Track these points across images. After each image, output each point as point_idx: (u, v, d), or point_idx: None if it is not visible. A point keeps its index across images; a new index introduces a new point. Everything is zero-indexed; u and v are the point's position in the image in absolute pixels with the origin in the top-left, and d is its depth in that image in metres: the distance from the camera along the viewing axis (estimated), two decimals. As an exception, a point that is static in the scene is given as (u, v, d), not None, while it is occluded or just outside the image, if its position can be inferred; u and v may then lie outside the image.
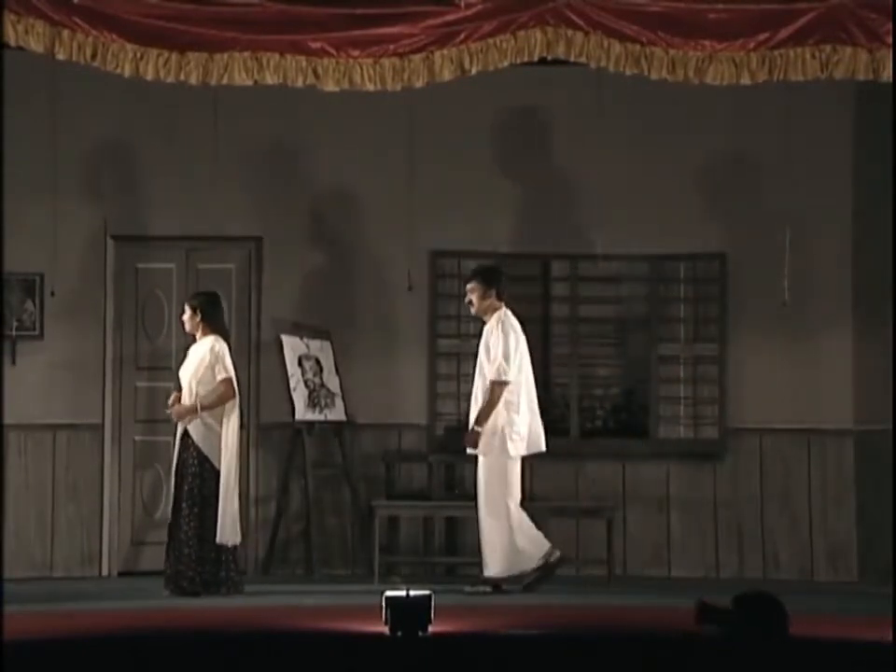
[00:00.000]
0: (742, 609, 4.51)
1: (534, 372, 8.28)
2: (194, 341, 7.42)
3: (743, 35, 6.90)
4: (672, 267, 8.64)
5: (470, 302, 7.33)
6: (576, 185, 8.49)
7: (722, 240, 8.52)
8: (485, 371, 7.24)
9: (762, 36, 6.90)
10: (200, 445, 7.16)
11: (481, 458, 7.26)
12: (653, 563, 8.48)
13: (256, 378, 8.46)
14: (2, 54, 6.93)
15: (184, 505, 7.09)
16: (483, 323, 7.40)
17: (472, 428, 7.27)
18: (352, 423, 8.46)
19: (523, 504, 7.33)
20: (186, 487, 7.10)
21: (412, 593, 5.29)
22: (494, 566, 7.17)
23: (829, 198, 8.45)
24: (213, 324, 7.31)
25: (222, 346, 7.28)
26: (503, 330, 7.28)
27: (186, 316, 7.36)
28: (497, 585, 7.21)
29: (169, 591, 7.13)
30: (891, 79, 6.81)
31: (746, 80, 6.94)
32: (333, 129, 8.44)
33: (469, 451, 7.31)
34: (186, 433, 7.19)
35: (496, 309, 7.33)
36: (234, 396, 7.20)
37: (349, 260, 8.55)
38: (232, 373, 7.23)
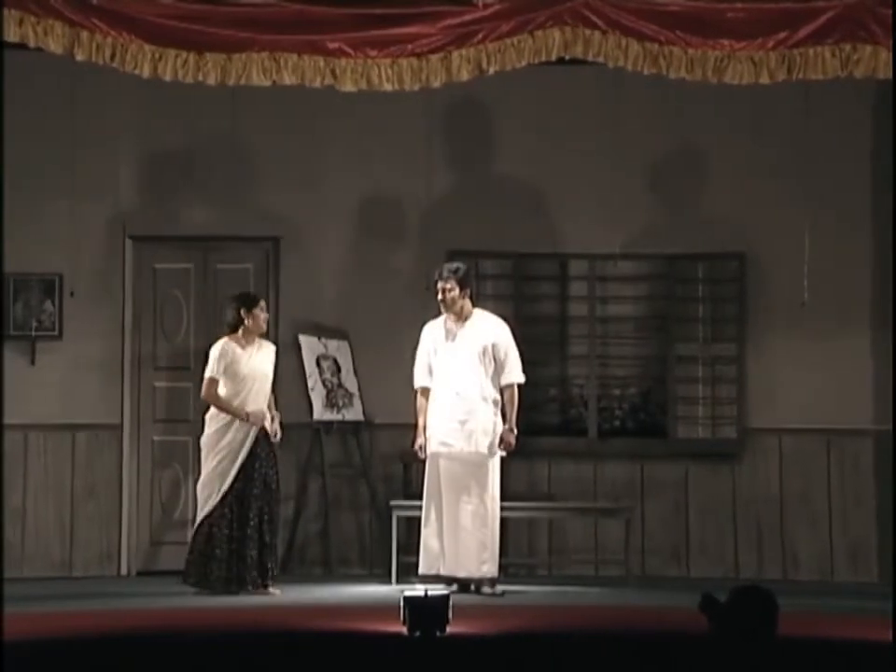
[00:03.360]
0: (733, 603, 4.53)
1: (552, 372, 8.49)
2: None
3: (762, 34, 6.88)
4: (690, 266, 8.64)
5: (445, 300, 7.24)
6: (594, 184, 8.47)
7: (741, 239, 8.49)
8: (483, 367, 7.21)
9: (781, 35, 6.89)
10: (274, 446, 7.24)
11: (489, 460, 7.25)
12: (672, 563, 8.47)
13: (273, 377, 8.16)
14: (2, 54, 6.91)
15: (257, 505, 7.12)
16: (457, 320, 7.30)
17: (510, 429, 7.25)
18: (370, 423, 8.49)
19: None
20: (260, 487, 7.07)
21: (430, 593, 5.30)
22: (494, 564, 7.20)
23: (849, 197, 8.43)
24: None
25: None
26: (509, 330, 7.31)
27: (266, 316, 7.30)
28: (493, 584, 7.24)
29: (237, 589, 7.08)
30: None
31: (765, 80, 6.93)
32: (352, 130, 8.47)
33: (503, 453, 7.29)
34: (265, 433, 7.18)
35: (470, 307, 7.32)
36: None
37: (366, 261, 8.55)
38: None
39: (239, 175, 8.43)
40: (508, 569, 8.00)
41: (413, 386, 7.40)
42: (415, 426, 7.38)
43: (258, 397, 7.19)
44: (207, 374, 7.11)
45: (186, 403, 8.46)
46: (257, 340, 7.25)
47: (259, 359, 7.27)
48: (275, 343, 8.31)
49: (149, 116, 8.42)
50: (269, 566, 7.13)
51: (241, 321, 7.20)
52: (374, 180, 8.51)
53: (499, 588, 7.30)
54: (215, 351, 7.17)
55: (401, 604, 5.32)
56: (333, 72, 6.90)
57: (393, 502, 7.95)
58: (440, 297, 7.29)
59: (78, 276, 8.33)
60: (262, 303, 7.26)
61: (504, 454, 7.32)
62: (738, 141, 8.45)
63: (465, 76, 6.98)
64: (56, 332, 8.37)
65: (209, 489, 7.07)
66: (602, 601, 7.15)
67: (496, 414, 7.29)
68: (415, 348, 7.41)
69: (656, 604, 7.00)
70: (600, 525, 8.33)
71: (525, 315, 8.59)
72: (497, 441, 7.27)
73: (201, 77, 6.90)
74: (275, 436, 7.22)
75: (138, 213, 8.51)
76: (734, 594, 4.62)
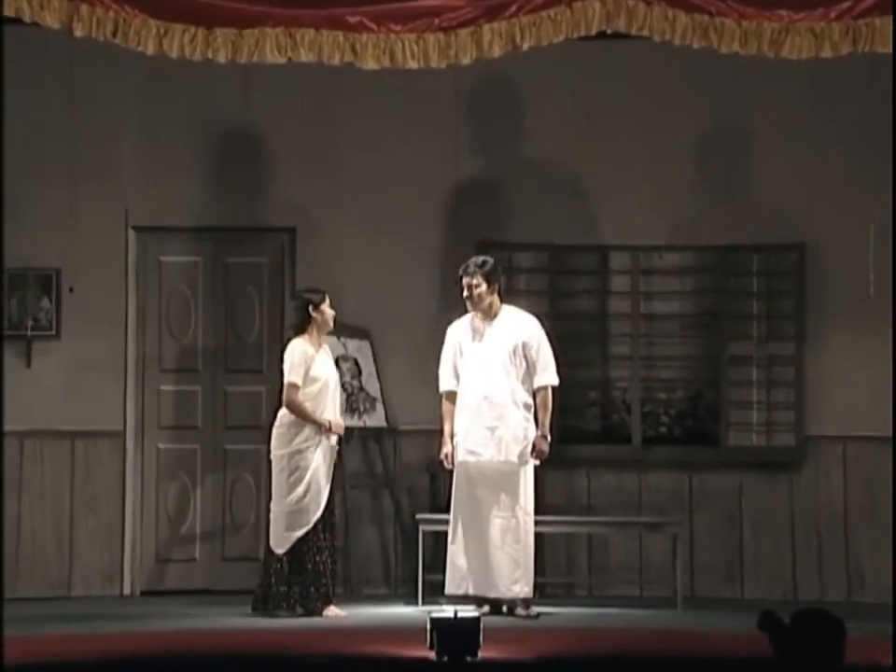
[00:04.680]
0: (799, 626, 4.52)
1: (592, 374, 8.51)
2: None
3: (823, 4, 6.82)
4: (744, 258, 8.62)
5: (471, 297, 7.24)
6: (637, 168, 8.48)
7: (800, 228, 8.49)
8: (514, 368, 7.23)
9: (845, 5, 6.83)
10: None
11: (521, 469, 7.27)
12: (724, 583, 8.48)
13: None
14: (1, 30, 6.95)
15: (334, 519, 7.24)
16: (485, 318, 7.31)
17: (543, 436, 7.26)
18: (394, 429, 8.51)
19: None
20: (332, 501, 7.20)
21: (459, 614, 5.32)
22: (528, 583, 7.20)
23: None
24: None
25: None
26: (543, 331, 7.32)
27: (333, 313, 7.32)
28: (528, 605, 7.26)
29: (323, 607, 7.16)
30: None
31: (827, 53, 6.88)
32: (372, 111, 8.50)
33: (536, 462, 7.32)
34: (340, 444, 7.35)
35: (499, 304, 7.31)
36: None
37: (389, 253, 8.56)
38: None
39: (252, 161, 8.48)
40: (544, 589, 8.04)
41: (439, 390, 7.43)
42: (441, 432, 7.39)
43: (335, 402, 7.26)
44: (288, 380, 7.08)
45: (194, 408, 8.54)
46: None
47: (330, 361, 7.34)
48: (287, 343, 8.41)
49: (155, 96, 8.47)
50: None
51: (309, 320, 7.21)
52: (398, 166, 8.53)
53: (534, 610, 7.31)
54: (294, 354, 7.13)
55: (428, 626, 5.34)
56: (353, 48, 6.88)
57: (419, 516, 7.96)
58: (465, 294, 7.29)
59: (77, 271, 8.35)
60: (328, 299, 7.31)
61: (537, 462, 7.33)
62: (797, 120, 8.47)
63: (496, 51, 6.94)
64: (53, 331, 8.40)
65: (303, 514, 7.10)
66: (647, 624, 7.15)
67: (528, 420, 7.29)
68: (442, 348, 7.44)
69: (707, 628, 7.01)
70: (645, 540, 8.35)
71: (563, 312, 8.61)
72: (530, 448, 7.27)
73: (210, 55, 6.86)
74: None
75: (142, 201, 8.53)
76: (796, 618, 4.59)
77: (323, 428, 7.10)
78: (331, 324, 7.29)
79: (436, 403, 7.47)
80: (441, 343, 7.44)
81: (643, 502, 8.48)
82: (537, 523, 7.36)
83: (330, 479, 7.16)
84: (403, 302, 8.51)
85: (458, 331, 7.41)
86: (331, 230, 8.55)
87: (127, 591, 8.42)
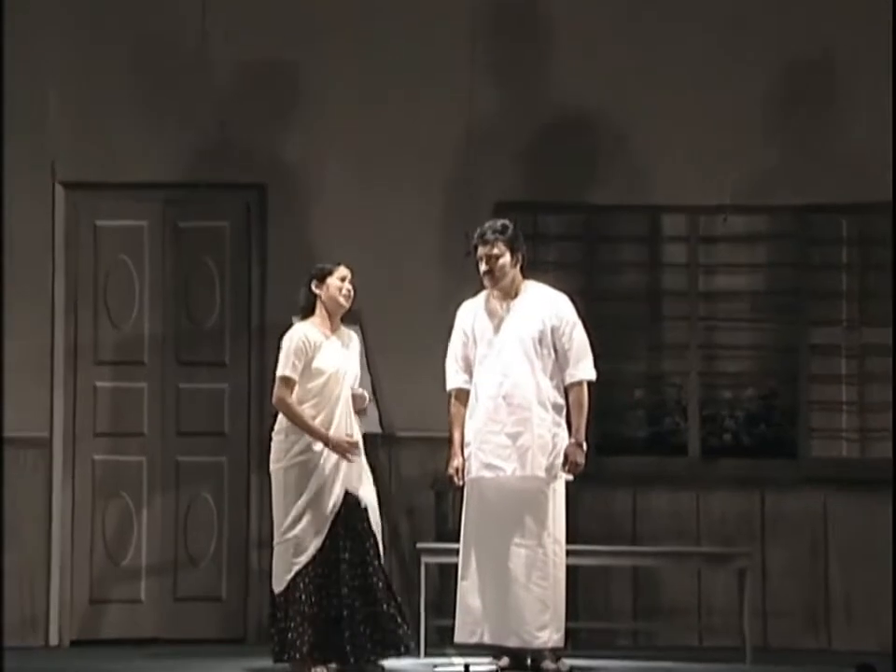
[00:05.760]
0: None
1: (637, 367, 8.55)
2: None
3: None
4: (830, 222, 8.57)
5: (492, 271, 7.13)
6: (695, 111, 8.43)
7: (899, 185, 8.45)
8: (540, 360, 7.14)
9: None
10: None
11: (550, 487, 7.12)
12: (806, 630, 8.41)
13: (259, 375, 8.40)
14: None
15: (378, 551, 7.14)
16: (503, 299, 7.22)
17: (577, 444, 7.12)
18: (389, 436, 8.40)
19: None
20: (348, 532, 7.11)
21: (472, 669, 5.39)
22: (559, 630, 7.07)
23: None
24: None
25: None
26: (574, 310, 7.24)
27: (349, 288, 7.18)
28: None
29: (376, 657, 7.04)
30: None
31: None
32: (365, 38, 8.42)
33: (569, 477, 7.21)
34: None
35: (521, 282, 7.24)
36: None
37: (384, 217, 8.49)
38: None
39: (210, 101, 8.41)
40: (577, 637, 7.99)
41: (446, 388, 7.32)
42: (450, 441, 7.28)
43: (347, 406, 7.09)
44: (279, 373, 7.02)
45: (139, 411, 8.49)
46: (342, 326, 7.23)
47: (347, 353, 7.18)
48: (260, 327, 8.41)
49: (88, 23, 8.46)
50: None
51: (313, 299, 7.13)
52: (396, 107, 8.47)
53: (565, 663, 7.19)
54: (291, 340, 7.06)
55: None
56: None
57: (421, 545, 7.94)
58: (484, 267, 7.17)
59: (-9, 238, 8.28)
60: (343, 271, 7.15)
61: (570, 477, 7.20)
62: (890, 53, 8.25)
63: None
64: (-38, 315, 8.32)
65: (298, 544, 6.98)
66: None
67: (558, 425, 7.18)
68: (450, 336, 7.34)
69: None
70: (705, 576, 8.30)
71: (601, 290, 8.56)
72: (561, 460, 7.13)
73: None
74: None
75: (73, 152, 8.49)
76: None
77: (321, 441, 6.99)
78: (343, 302, 7.14)
79: (443, 404, 7.35)
80: (449, 329, 7.32)
81: (702, 529, 8.40)
82: (569, 554, 7.22)
83: (336, 504, 6.96)
84: (402, 279, 8.45)
85: (470, 314, 7.31)
86: (311, 188, 8.51)
87: (53, 640, 8.38)
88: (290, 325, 7.78)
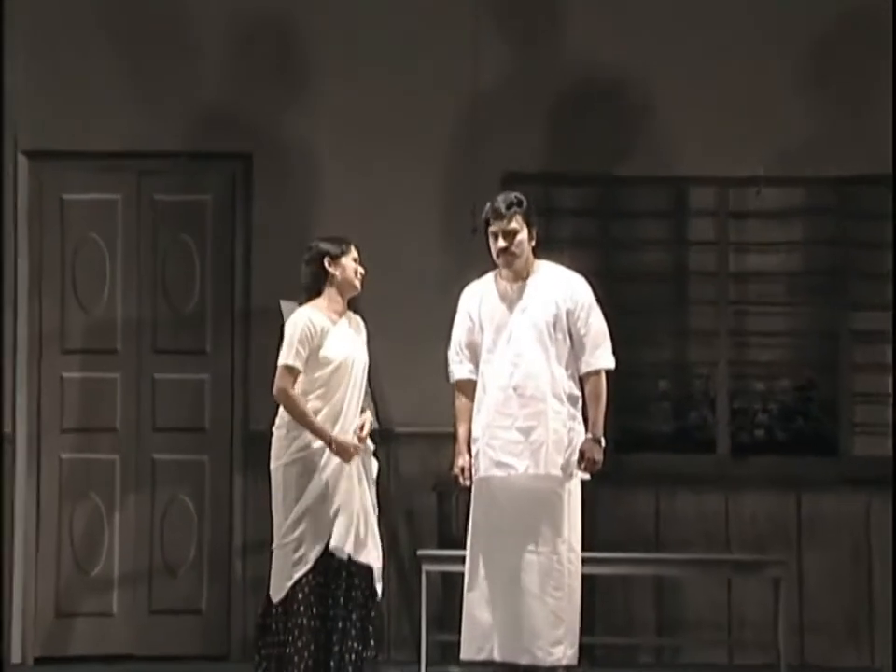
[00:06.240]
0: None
1: (661, 355, 8.59)
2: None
3: None
4: (872, 195, 8.52)
5: (508, 249, 7.00)
6: (723, 73, 8.42)
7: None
8: (554, 347, 7.04)
9: None
10: None
11: (565, 487, 7.00)
12: (846, 646, 8.37)
13: (243, 364, 8.45)
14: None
15: None
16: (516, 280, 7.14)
17: (594, 439, 7.00)
18: (387, 432, 8.35)
19: None
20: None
21: None
22: (573, 645, 6.93)
23: None
24: None
25: None
26: (591, 292, 7.14)
27: (362, 270, 7.15)
28: None
29: None
30: None
31: None
32: None
33: (586, 475, 7.12)
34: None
35: (533, 261, 7.14)
36: None
37: (382, 190, 8.50)
38: None
39: (189, 61, 8.42)
40: (594, 653, 8.07)
41: (449, 379, 7.20)
42: (454, 437, 7.13)
43: (356, 399, 7.03)
44: (281, 361, 6.91)
45: (111, 404, 8.48)
46: (348, 311, 7.18)
47: (357, 339, 7.13)
48: (245, 311, 8.40)
49: None
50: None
51: (324, 279, 6.98)
52: (395, 69, 8.49)
53: None
54: (296, 325, 6.93)
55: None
56: None
57: (422, 552, 7.93)
58: (500, 244, 7.01)
59: (-53, 214, 8.35)
60: (354, 249, 7.12)
61: (587, 476, 7.05)
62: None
63: None
64: (-86, 298, 8.38)
65: (297, 550, 6.91)
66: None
67: (574, 418, 7.05)
68: (454, 321, 7.21)
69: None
70: (736, 586, 8.31)
71: (621, 270, 8.60)
72: (577, 457, 6.98)
73: None
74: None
75: (37, 118, 8.48)
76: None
77: (323, 441, 6.89)
78: (357, 285, 7.08)
79: (445, 397, 7.24)
80: (452, 314, 7.18)
81: (732, 533, 8.40)
82: (585, 561, 7.05)
83: (349, 508, 6.89)
84: (401, 259, 8.42)
85: (476, 297, 7.18)
86: (302, 157, 8.50)
87: (16, 658, 8.35)
88: (278, 309, 7.68)
